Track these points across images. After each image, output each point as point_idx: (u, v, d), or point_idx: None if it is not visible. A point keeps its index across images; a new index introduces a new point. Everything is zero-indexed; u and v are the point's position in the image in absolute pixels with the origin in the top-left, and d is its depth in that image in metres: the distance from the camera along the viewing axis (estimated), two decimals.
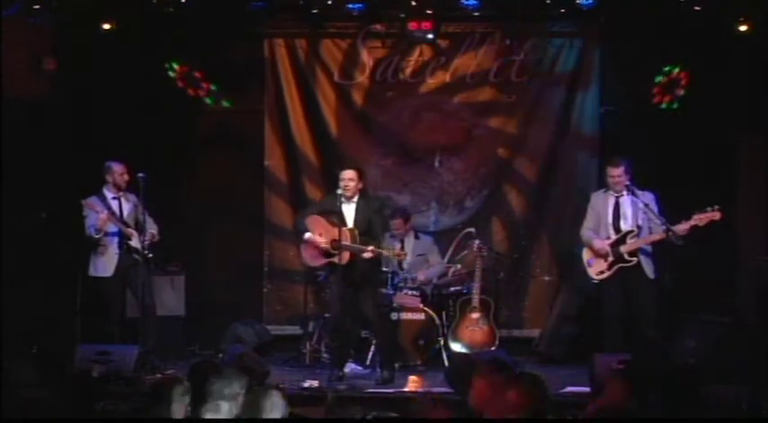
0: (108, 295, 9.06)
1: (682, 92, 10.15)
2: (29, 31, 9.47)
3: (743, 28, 9.33)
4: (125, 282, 9.10)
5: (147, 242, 8.93)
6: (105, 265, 8.99)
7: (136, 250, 8.95)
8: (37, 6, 9.21)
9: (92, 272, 9.07)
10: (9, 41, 9.12)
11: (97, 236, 8.91)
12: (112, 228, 8.96)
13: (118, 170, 9.06)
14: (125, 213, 9.09)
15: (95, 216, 8.89)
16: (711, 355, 8.47)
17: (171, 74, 10.47)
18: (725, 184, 9.85)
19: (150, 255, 8.99)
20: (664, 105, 10.25)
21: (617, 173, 8.62)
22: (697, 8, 9.23)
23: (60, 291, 9.41)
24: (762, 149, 9.80)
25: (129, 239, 9.00)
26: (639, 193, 8.64)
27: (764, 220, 9.57)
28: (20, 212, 9.25)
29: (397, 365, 9.05)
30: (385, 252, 9.06)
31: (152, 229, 9.09)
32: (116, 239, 8.99)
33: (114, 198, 9.08)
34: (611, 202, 8.70)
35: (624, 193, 8.63)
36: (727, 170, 9.94)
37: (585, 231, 8.84)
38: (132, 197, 9.13)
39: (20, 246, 9.18)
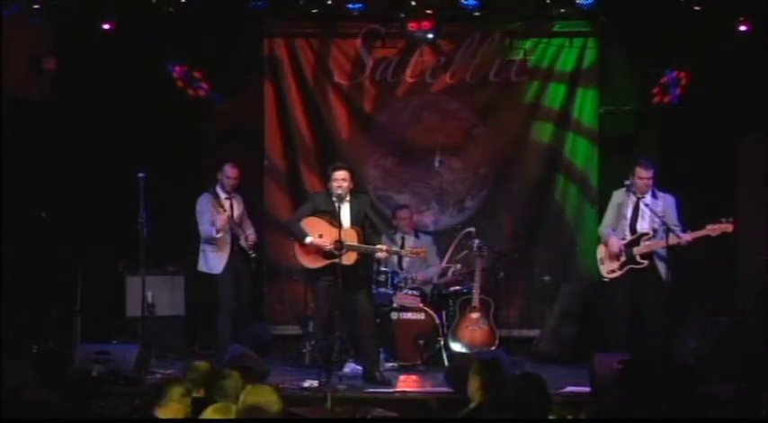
0: (222, 289, 9.23)
1: (682, 92, 10.15)
2: (29, 31, 9.47)
3: (743, 28, 9.32)
4: (235, 278, 9.31)
5: (251, 242, 9.30)
6: (218, 262, 9.21)
7: (243, 249, 9.28)
8: (37, 6, 9.21)
9: (202, 268, 9.28)
10: (9, 41, 9.12)
11: (218, 235, 9.13)
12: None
13: (226, 172, 9.34)
14: (235, 213, 9.38)
15: (210, 215, 9.14)
16: (711, 355, 8.47)
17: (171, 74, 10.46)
18: (725, 184, 9.85)
19: (254, 255, 9.34)
20: (664, 105, 10.25)
21: (648, 175, 8.65)
22: (697, 8, 9.21)
23: (60, 291, 9.40)
24: (762, 149, 9.79)
25: (239, 239, 9.29)
26: (660, 194, 8.67)
27: (764, 220, 9.57)
28: (20, 212, 9.24)
29: (396, 364, 9.10)
30: (402, 252, 9.09)
31: (249, 230, 9.44)
32: (229, 239, 9.24)
33: (227, 198, 9.36)
34: (632, 202, 8.71)
35: (647, 194, 8.64)
36: (727, 170, 9.94)
37: (604, 229, 8.89)
38: (239, 198, 9.47)
39: (20, 245, 9.18)
